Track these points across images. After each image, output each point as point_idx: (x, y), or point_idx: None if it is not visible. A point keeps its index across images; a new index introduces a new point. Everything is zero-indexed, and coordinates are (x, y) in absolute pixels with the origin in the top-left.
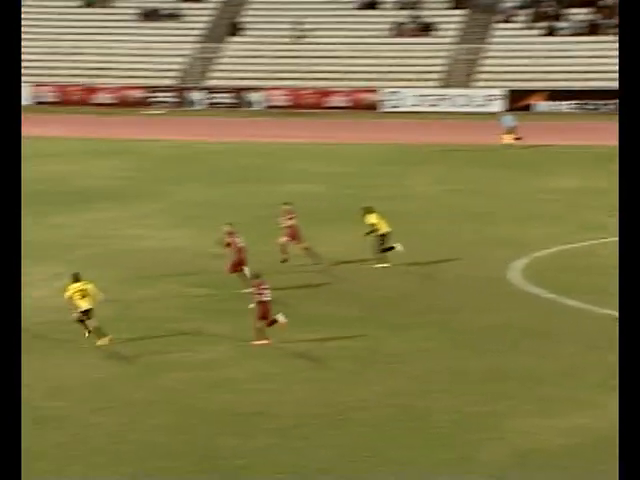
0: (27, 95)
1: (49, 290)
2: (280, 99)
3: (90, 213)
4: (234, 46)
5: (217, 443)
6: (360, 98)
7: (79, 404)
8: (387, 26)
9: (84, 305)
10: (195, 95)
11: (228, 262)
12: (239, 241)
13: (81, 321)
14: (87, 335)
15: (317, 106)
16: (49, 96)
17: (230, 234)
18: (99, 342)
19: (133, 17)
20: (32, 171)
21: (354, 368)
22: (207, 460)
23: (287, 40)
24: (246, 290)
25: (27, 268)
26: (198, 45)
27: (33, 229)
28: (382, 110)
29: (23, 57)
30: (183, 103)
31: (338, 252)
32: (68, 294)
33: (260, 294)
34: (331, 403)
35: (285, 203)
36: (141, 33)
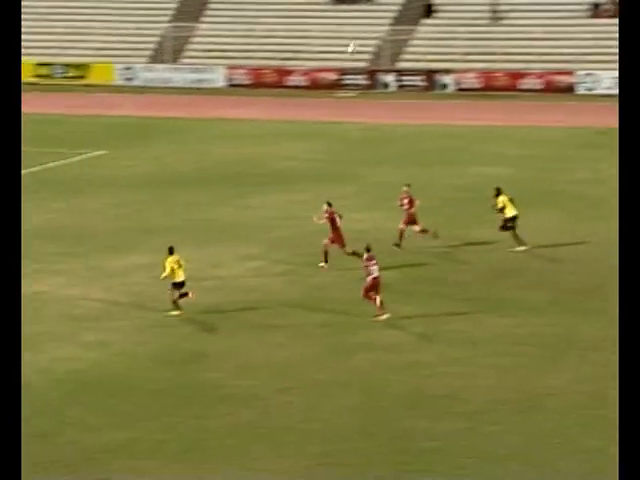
0: (222, 77)
1: (240, 270)
2: (471, 82)
3: (285, 195)
4: (426, 28)
5: (406, 425)
6: (554, 80)
7: (266, 383)
8: (584, 7)
9: (181, 277)
10: (386, 77)
11: (329, 239)
12: (337, 219)
13: (181, 295)
14: (175, 304)
15: (509, 88)
16: (243, 79)
17: (328, 212)
18: (173, 313)
19: (326, 0)
20: (228, 153)
21: (545, 354)
22: (395, 442)
23: (484, 22)
24: (321, 265)
25: (222, 248)
26: (390, 27)
27: (229, 211)
28: (577, 93)
29: (219, 40)
30: (374, 85)
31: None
32: (169, 267)
33: (368, 268)
34: (521, 389)
35: (406, 184)
36: (334, 16)
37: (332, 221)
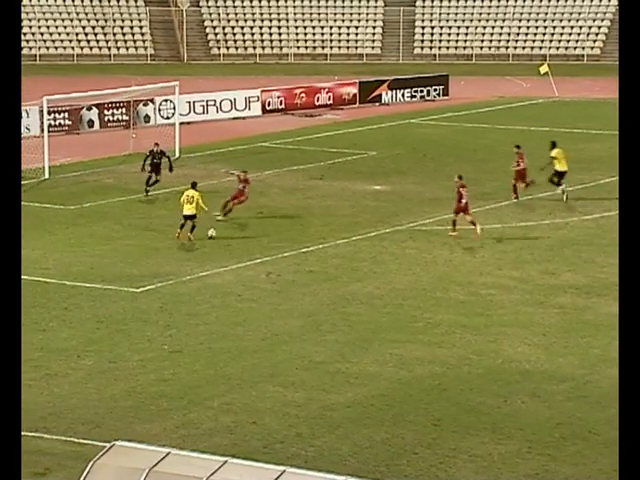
0: None
1: None
2: None
3: None
4: None
5: None
6: None
7: None
8: None
9: (187, 210)
10: None
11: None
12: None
13: (182, 225)
14: (177, 235)
15: None
16: None
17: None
18: (180, 237)
19: None
20: None
21: None
22: None
23: None
24: None
25: None
26: None
27: None
28: None
29: None
30: None
31: None
32: (181, 197)
33: None
34: None
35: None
36: None
37: (459, 195)
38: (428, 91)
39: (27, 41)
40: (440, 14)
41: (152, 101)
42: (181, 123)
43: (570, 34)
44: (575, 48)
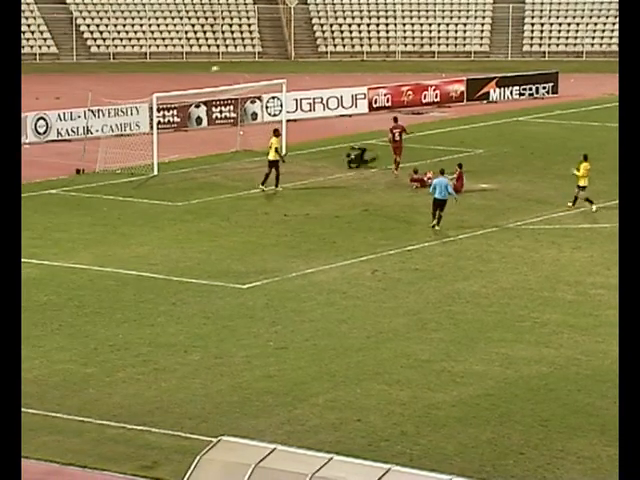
0: None
1: None
2: None
3: None
4: None
5: None
6: None
7: None
8: None
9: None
10: None
11: None
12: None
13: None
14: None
15: None
16: None
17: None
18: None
19: None
20: None
21: None
22: None
23: None
24: None
25: None
26: None
27: None
28: None
29: None
30: None
31: None
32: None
33: None
34: None
35: None
36: None
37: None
38: (537, 89)
39: (138, 39)
40: (550, 10)
41: (259, 98)
42: (288, 120)
43: None
44: None
